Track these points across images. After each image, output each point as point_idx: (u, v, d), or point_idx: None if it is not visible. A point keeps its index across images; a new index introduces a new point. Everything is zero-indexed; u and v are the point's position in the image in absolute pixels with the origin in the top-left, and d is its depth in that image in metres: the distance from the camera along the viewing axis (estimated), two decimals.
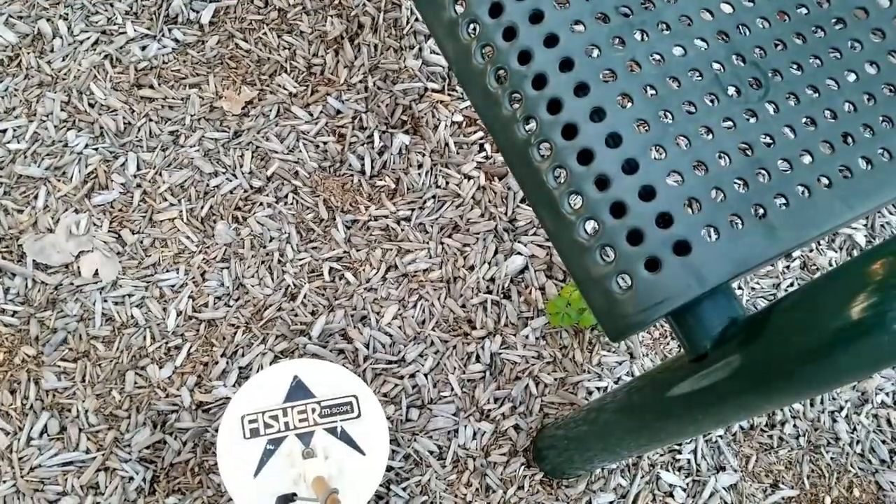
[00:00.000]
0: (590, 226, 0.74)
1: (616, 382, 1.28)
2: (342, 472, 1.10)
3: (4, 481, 1.12)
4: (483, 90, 0.77)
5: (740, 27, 0.83)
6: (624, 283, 0.72)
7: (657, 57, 0.78)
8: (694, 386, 0.80)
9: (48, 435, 1.14)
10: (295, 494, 1.07)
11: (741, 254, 0.72)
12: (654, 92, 0.76)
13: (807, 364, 0.66)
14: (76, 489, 1.12)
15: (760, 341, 0.70)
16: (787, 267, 1.42)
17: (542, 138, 0.74)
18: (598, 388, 1.27)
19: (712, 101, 0.78)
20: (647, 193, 0.72)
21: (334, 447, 1.11)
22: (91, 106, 1.33)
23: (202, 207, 1.30)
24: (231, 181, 1.33)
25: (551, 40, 0.75)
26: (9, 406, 1.15)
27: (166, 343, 1.22)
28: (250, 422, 1.10)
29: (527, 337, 1.29)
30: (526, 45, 0.75)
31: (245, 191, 1.33)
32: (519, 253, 1.33)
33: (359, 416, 1.13)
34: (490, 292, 1.31)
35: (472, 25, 0.78)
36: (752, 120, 0.78)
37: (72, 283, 1.22)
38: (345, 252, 1.32)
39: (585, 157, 0.73)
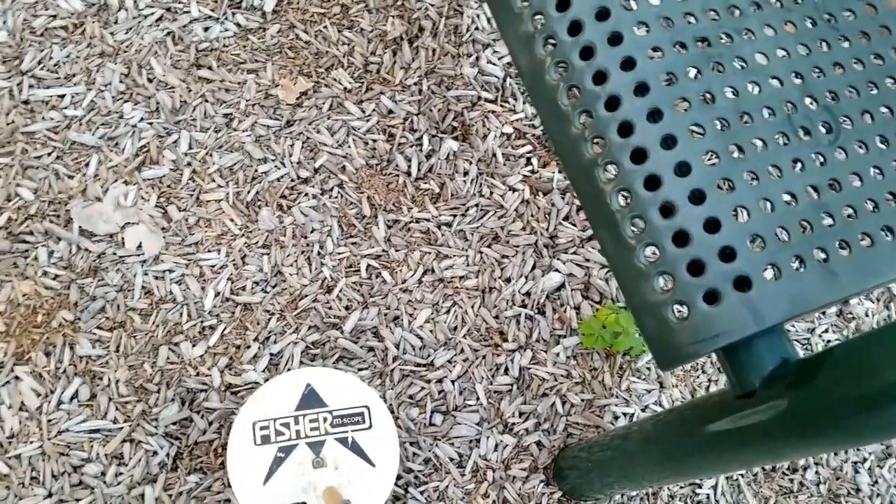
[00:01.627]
0: (650, 251, 0.74)
1: (643, 410, 1.28)
2: (352, 483, 1.10)
3: (31, 442, 1.13)
4: (554, 106, 0.78)
5: (815, 70, 0.83)
6: (680, 312, 0.72)
7: (732, 91, 0.78)
8: (734, 424, 0.79)
9: (78, 401, 1.16)
10: (304, 503, 1.08)
11: (800, 296, 0.72)
12: (726, 125, 0.76)
13: (857, 414, 0.66)
14: (101, 457, 1.13)
15: (811, 385, 0.70)
16: (823, 313, 1.41)
17: (609, 160, 0.75)
18: (625, 414, 1.27)
19: (783, 140, 0.78)
20: (712, 225, 0.72)
21: (345, 457, 1.11)
22: (149, 81, 1.35)
23: (248, 192, 1.31)
24: (279, 169, 1.34)
25: (628, 64, 0.76)
26: (42, 368, 1.16)
27: (201, 322, 1.23)
28: (262, 428, 1.10)
29: (557, 355, 1.29)
30: (602, 65, 0.75)
31: (292, 180, 1.34)
32: (557, 270, 1.33)
33: (370, 427, 1.13)
34: (525, 306, 1.31)
35: (549, 41, 0.79)
36: (821, 163, 0.78)
37: (115, 254, 1.24)
38: (383, 251, 1.32)
39: (652, 182, 0.73)
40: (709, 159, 0.74)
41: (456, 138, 1.40)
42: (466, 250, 1.33)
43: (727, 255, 0.71)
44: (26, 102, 1.30)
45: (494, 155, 1.39)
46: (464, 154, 1.39)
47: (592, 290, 1.33)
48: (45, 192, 1.25)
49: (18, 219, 1.23)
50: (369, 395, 1.16)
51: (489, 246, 1.34)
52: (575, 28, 0.77)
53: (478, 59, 1.44)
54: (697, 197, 0.73)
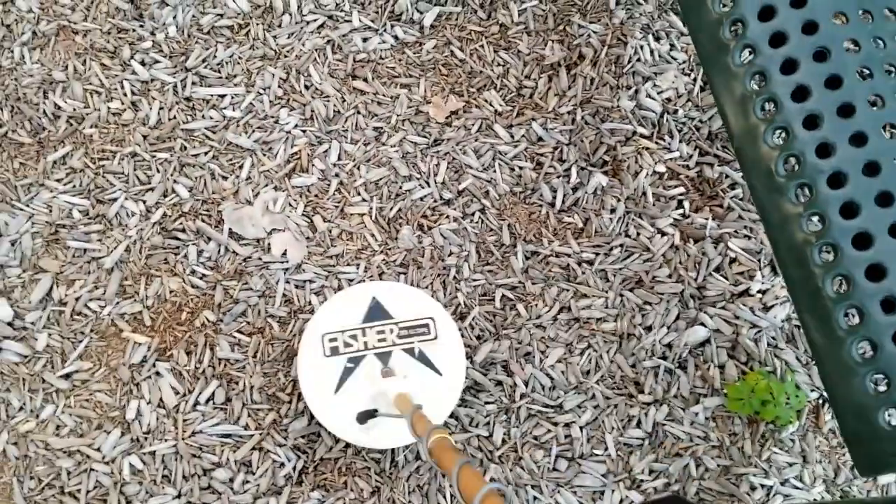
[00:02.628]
0: (864, 347, 0.68)
1: (783, 484, 1.20)
2: (420, 392, 1.12)
3: (166, 440, 1.15)
4: (766, 174, 0.72)
5: None
6: (892, 418, 0.66)
7: None
8: None
9: (213, 403, 1.17)
10: (376, 410, 1.10)
11: None
12: None
13: None
14: (230, 463, 1.14)
15: None
16: None
17: (828, 241, 0.69)
18: (763, 486, 1.19)
19: None
20: None
21: (412, 367, 1.14)
22: (306, 88, 1.35)
23: (391, 209, 1.30)
24: (423, 188, 1.32)
25: (860, 139, 0.70)
26: (183, 367, 1.19)
27: None
28: (330, 340, 1.14)
29: (696, 414, 1.22)
30: (830, 139, 0.69)
31: (434, 200, 1.32)
32: (703, 324, 1.26)
33: (435, 338, 1.16)
34: (665, 358, 1.25)
35: (768, 105, 0.73)
36: None
37: (260, 259, 1.25)
38: (520, 282, 1.29)
39: (877, 272, 0.67)
40: None
41: (606, 173, 1.35)
42: (607, 291, 1.28)
43: None
44: (188, 99, 1.33)
45: (644, 194, 1.34)
46: (612, 190, 1.34)
47: (740, 350, 1.25)
48: (199, 191, 1.27)
49: (173, 215, 1.26)
50: (434, 307, 1.18)
51: (631, 290, 1.29)
52: (801, 94, 0.71)
53: (637, 92, 1.38)
54: None
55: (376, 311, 1.16)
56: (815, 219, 0.69)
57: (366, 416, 1.10)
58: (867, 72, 0.70)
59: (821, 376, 0.69)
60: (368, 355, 1.14)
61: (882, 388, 0.66)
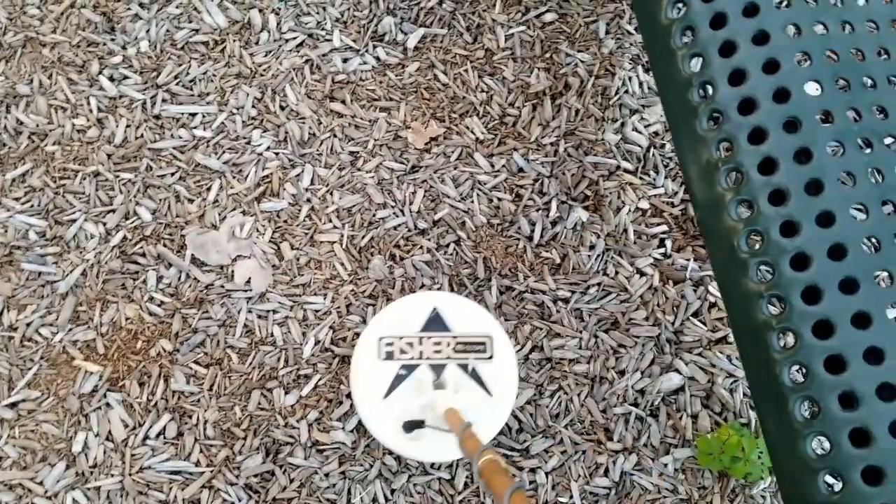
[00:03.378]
0: (820, 444, 0.63)
1: None
2: (469, 409, 1.09)
3: (112, 475, 1.11)
4: (729, 249, 0.67)
5: None
6: None
7: None
8: None
9: (164, 437, 1.13)
10: (423, 421, 1.07)
11: None
12: None
13: None
14: (178, 501, 1.10)
15: None
16: None
17: (786, 326, 0.64)
18: None
19: None
20: None
21: (464, 383, 1.12)
22: (282, 109, 1.31)
23: (363, 237, 1.26)
24: (397, 217, 1.28)
25: (827, 219, 0.65)
26: (134, 398, 1.15)
27: (297, 370, 1.19)
28: (387, 345, 1.11)
29: (665, 465, 1.18)
30: (796, 217, 0.65)
31: (409, 230, 1.27)
32: (678, 371, 1.22)
33: (491, 357, 1.13)
34: (636, 405, 1.21)
35: (734, 175, 0.68)
36: None
37: (222, 286, 1.21)
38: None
39: (837, 365, 0.63)
40: None
41: (587, 208, 1.30)
42: (581, 332, 1.24)
43: None
44: (157, 117, 1.29)
45: (626, 231, 1.29)
46: (592, 226, 1.29)
47: (714, 400, 1.21)
48: (163, 214, 1.23)
49: (133, 238, 1.22)
50: (493, 326, 1.15)
51: (606, 331, 1.24)
52: (768, 166, 0.66)
53: (623, 125, 1.34)
54: (891, 393, 0.62)
55: (436, 322, 1.14)
56: (777, 302, 0.65)
57: (412, 426, 1.08)
58: (838, 146, 0.65)
59: (775, 470, 0.65)
60: (422, 365, 1.12)
61: (837, 488, 0.61)
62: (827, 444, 0.62)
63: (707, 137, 0.69)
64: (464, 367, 1.12)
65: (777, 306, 0.65)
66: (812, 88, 0.67)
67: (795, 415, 0.63)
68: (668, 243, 1.29)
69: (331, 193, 1.28)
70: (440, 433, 1.07)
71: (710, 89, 0.69)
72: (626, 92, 1.35)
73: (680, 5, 0.75)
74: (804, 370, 0.63)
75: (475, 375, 1.12)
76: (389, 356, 1.11)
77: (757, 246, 0.66)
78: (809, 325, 0.63)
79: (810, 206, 0.64)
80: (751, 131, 0.67)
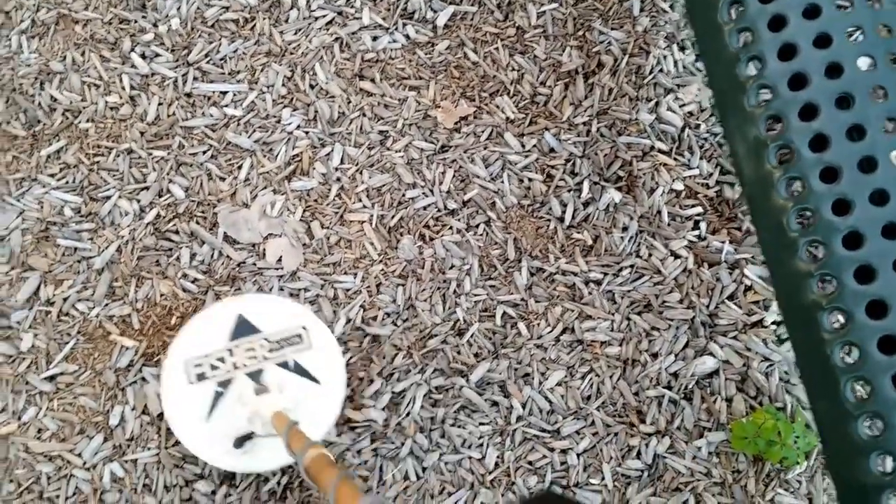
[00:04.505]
0: (872, 424, 0.62)
1: None
2: (299, 404, 1.07)
3: (149, 448, 1.12)
4: (777, 229, 0.66)
5: None
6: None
7: None
8: None
9: None
10: (252, 433, 1.04)
11: None
12: None
13: None
14: (213, 475, 1.11)
15: None
16: None
17: (838, 306, 0.63)
18: None
19: None
20: None
21: (288, 380, 1.09)
22: (311, 87, 1.31)
23: (393, 217, 1.26)
24: (427, 197, 1.27)
25: (881, 197, 0.63)
26: None
27: None
28: (195, 366, 1.07)
29: (699, 449, 1.17)
30: (848, 195, 0.63)
31: (438, 210, 1.27)
32: (712, 354, 1.20)
33: (309, 346, 1.10)
34: (670, 388, 1.20)
35: (783, 152, 0.67)
36: None
37: (254, 264, 1.21)
38: (522, 300, 1.24)
39: (890, 344, 0.61)
40: None
41: (619, 189, 1.29)
42: (613, 314, 1.23)
43: None
44: (189, 95, 1.29)
45: (659, 213, 1.27)
46: (625, 207, 1.28)
47: (749, 384, 1.19)
48: (195, 192, 1.24)
49: (167, 216, 1.22)
50: (304, 314, 1.12)
51: (639, 314, 1.23)
52: (819, 143, 0.65)
53: (657, 104, 1.32)
54: None
55: (243, 328, 1.10)
56: (829, 281, 0.63)
57: (241, 441, 1.05)
58: (891, 122, 0.63)
59: (825, 452, 0.64)
60: (239, 376, 1.08)
61: (890, 468, 0.60)
62: (880, 425, 0.61)
63: (755, 114, 0.67)
64: (283, 364, 1.09)
65: (828, 286, 0.64)
66: (865, 63, 0.66)
67: (847, 395, 0.62)
68: (703, 225, 1.27)
69: (360, 173, 1.27)
70: (274, 438, 1.03)
71: (758, 64, 0.68)
72: (661, 71, 1.33)
73: None
74: (856, 350, 0.62)
75: (298, 368, 1.09)
76: (201, 377, 1.07)
77: (807, 225, 0.64)
78: (862, 305, 0.62)
79: (863, 183, 0.63)
80: (801, 107, 0.65)
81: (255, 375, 1.08)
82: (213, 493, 1.11)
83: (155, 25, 1.31)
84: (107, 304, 1.18)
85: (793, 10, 0.68)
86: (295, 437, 0.88)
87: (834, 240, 0.63)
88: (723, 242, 1.26)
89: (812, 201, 0.64)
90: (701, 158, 1.30)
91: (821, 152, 0.64)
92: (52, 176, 1.23)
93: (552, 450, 1.18)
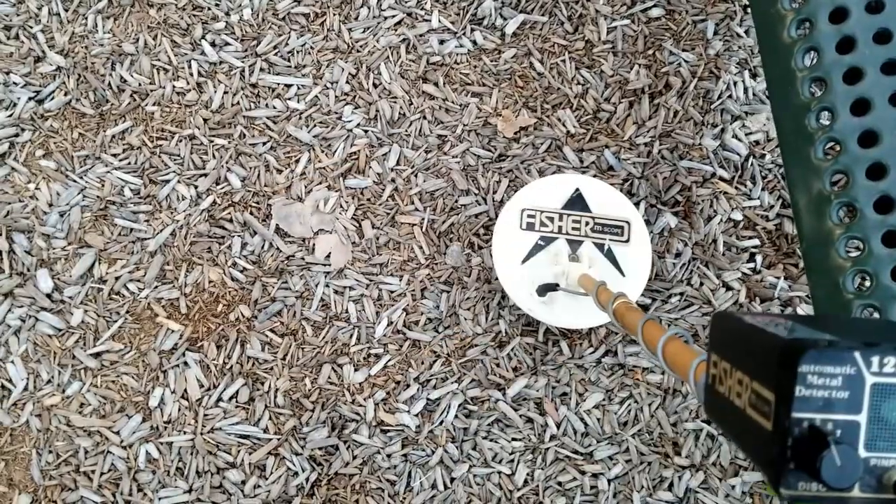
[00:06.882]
0: None
1: None
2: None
3: (184, 432, 1.14)
4: (833, 287, 0.64)
5: None
6: None
7: None
8: None
9: (236, 401, 1.16)
10: (557, 285, 1.13)
11: None
12: None
13: None
14: (244, 465, 1.13)
15: None
16: None
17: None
18: None
19: None
20: None
21: (599, 260, 1.17)
22: (374, 86, 1.31)
23: (444, 222, 1.25)
24: (479, 205, 1.26)
25: None
26: (211, 360, 1.17)
27: (369, 348, 1.19)
28: (528, 216, 1.18)
29: (733, 487, 1.14)
30: None
31: (490, 219, 1.26)
32: None
33: (627, 240, 1.18)
34: (709, 423, 1.17)
35: (844, 210, 0.64)
36: None
37: (303, 259, 1.22)
38: None
39: None
40: None
41: (676, 213, 1.26)
42: None
43: None
44: (254, 86, 1.30)
45: (715, 241, 1.25)
46: (680, 233, 1.25)
47: None
48: (252, 182, 1.25)
49: (222, 204, 1.24)
50: (632, 212, 1.20)
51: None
52: (885, 205, 0.62)
53: (723, 131, 1.29)
54: None
55: (577, 202, 1.20)
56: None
57: (545, 289, 1.14)
58: None
59: None
60: (560, 238, 1.18)
61: None
62: None
63: (821, 167, 0.65)
64: (600, 246, 1.18)
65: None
66: None
67: None
68: (759, 258, 1.24)
69: (415, 175, 1.27)
70: (571, 301, 1.14)
71: (829, 116, 0.65)
72: (730, 97, 1.30)
73: (806, 24, 0.71)
74: None
75: (610, 255, 1.17)
76: (530, 227, 1.18)
77: (864, 288, 0.62)
78: None
79: None
80: (870, 166, 0.63)
81: (573, 244, 1.18)
82: (244, 482, 1.13)
83: (227, 14, 1.32)
84: (156, 287, 1.20)
85: (870, 64, 0.65)
86: (604, 291, 0.94)
87: (891, 306, 0.60)
88: (778, 278, 1.23)
89: (871, 264, 0.62)
90: (763, 189, 1.27)
91: (885, 214, 0.62)
92: (115, 156, 1.26)
93: (583, 473, 1.16)
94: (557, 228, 1.18)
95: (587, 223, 1.18)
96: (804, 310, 1.21)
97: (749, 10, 1.29)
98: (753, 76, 1.30)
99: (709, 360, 0.47)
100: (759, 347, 0.38)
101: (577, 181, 1.20)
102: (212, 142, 1.26)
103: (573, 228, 1.18)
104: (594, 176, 1.27)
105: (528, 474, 1.16)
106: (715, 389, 0.45)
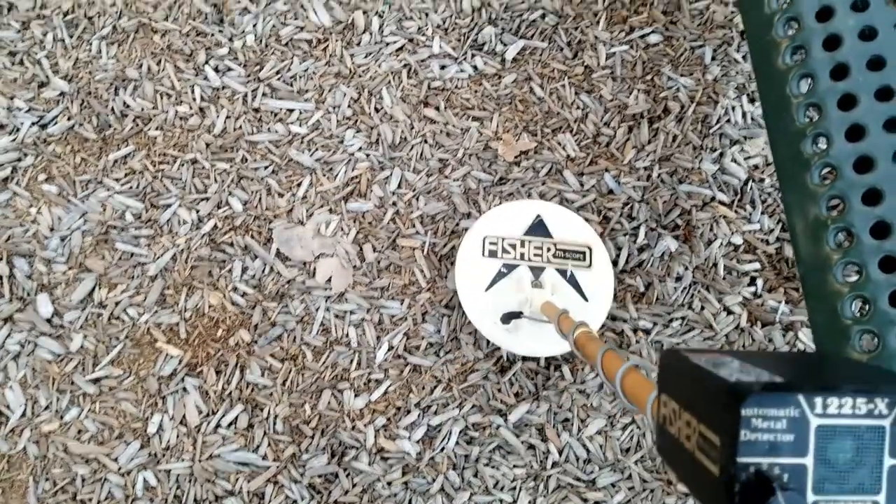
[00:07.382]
0: None
1: None
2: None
3: (183, 459, 1.13)
4: (831, 313, 0.63)
5: None
6: None
7: None
8: None
9: (235, 427, 1.15)
10: (521, 312, 1.14)
11: None
12: None
13: None
14: (243, 493, 1.12)
15: None
16: None
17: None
18: None
19: None
20: None
21: (561, 286, 1.18)
22: (376, 111, 1.31)
23: (445, 245, 1.25)
24: None
25: None
26: (210, 385, 1.17)
27: (369, 374, 1.19)
28: (490, 243, 1.19)
29: None
30: None
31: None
32: None
33: (589, 266, 1.19)
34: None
35: (842, 236, 0.64)
36: None
37: (303, 283, 1.22)
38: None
39: None
40: None
41: (676, 237, 1.26)
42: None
43: None
44: (256, 110, 1.31)
45: (715, 265, 1.25)
46: (681, 256, 1.25)
47: None
48: (253, 206, 1.25)
49: (223, 228, 1.24)
50: (593, 238, 1.21)
51: None
52: (881, 230, 0.62)
53: (722, 155, 1.29)
54: None
55: (538, 228, 1.21)
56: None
57: (509, 317, 1.14)
58: None
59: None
60: (522, 265, 1.19)
61: None
62: None
63: (817, 192, 0.65)
64: (562, 272, 1.18)
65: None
66: None
67: None
68: (760, 282, 1.24)
69: (417, 199, 1.27)
70: (536, 329, 1.14)
71: (824, 142, 0.66)
72: (728, 121, 1.31)
73: (801, 51, 0.72)
74: None
75: (573, 281, 1.18)
76: (492, 254, 1.19)
77: (863, 314, 0.62)
78: None
79: None
80: (865, 191, 0.63)
81: (535, 271, 1.19)
82: None
83: (230, 40, 1.33)
84: (156, 312, 1.20)
85: (864, 91, 0.65)
86: (564, 321, 0.94)
87: (889, 332, 0.60)
88: (779, 302, 1.22)
89: (869, 290, 0.61)
90: (762, 213, 1.27)
91: (882, 239, 0.62)
92: (117, 180, 1.26)
93: (586, 500, 1.15)
94: (520, 255, 1.19)
95: (549, 249, 1.19)
96: (806, 334, 1.20)
97: (745, 36, 1.31)
98: (751, 101, 1.31)
99: (659, 399, 0.46)
100: (703, 389, 0.38)
101: (538, 207, 1.21)
102: (214, 166, 1.27)
103: (535, 255, 1.19)
104: (594, 200, 1.27)
105: (529, 501, 1.15)
106: (665, 430, 0.44)
